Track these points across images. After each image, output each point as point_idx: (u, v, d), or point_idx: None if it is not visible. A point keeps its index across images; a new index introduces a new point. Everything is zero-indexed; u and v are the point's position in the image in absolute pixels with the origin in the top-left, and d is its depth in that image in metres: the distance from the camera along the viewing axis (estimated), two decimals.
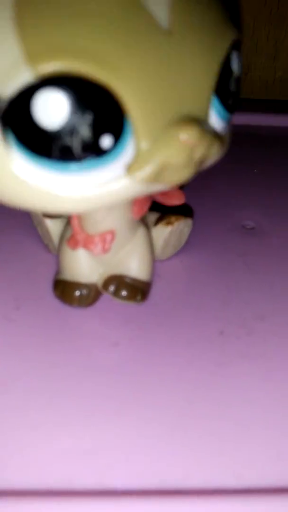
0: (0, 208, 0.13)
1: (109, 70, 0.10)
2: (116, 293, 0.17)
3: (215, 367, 0.16)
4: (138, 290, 0.18)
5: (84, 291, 0.18)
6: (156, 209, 0.19)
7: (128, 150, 0.11)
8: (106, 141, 0.11)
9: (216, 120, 0.12)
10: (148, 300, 0.18)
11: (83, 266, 0.17)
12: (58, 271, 0.18)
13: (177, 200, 0.18)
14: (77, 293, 0.18)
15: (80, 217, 0.17)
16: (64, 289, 0.18)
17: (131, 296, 0.17)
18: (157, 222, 0.19)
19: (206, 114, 0.12)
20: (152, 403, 0.15)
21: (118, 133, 0.11)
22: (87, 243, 0.16)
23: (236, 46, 0.12)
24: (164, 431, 0.14)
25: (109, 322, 0.18)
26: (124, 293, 0.17)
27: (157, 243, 0.19)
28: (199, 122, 0.11)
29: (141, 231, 0.18)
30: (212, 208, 0.24)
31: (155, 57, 0.10)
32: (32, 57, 0.10)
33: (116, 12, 0.10)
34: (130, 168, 0.11)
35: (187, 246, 0.21)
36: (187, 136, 0.11)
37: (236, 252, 0.21)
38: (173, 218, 0.19)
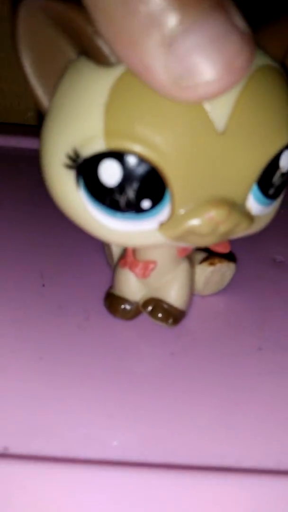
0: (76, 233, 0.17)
1: (159, 156, 0.13)
2: (152, 313, 0.20)
3: (255, 377, 0.19)
4: (171, 315, 0.20)
5: (127, 306, 0.21)
6: (205, 249, 0.22)
7: (164, 213, 0.14)
8: (145, 203, 0.14)
9: (254, 204, 0.15)
10: (191, 317, 0.21)
11: (129, 285, 0.21)
12: (111, 286, 0.22)
13: (223, 248, 0.21)
14: (122, 306, 0.21)
15: None
16: (111, 301, 0.21)
17: (164, 319, 0.20)
18: (202, 261, 0.22)
19: (244, 199, 0.14)
20: (195, 401, 0.18)
21: (157, 200, 0.14)
22: (132, 266, 0.20)
23: None
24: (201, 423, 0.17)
25: (165, 335, 0.21)
26: (159, 315, 0.20)
27: (199, 279, 0.22)
28: (231, 204, 0.14)
29: (183, 266, 0.20)
30: (246, 243, 0.26)
31: (203, 151, 0.13)
32: (108, 135, 0.13)
33: (183, 116, 0.13)
34: (162, 226, 0.14)
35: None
36: (214, 214, 0.14)
37: (268, 281, 0.24)
38: (216, 260, 0.22)
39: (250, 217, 0.15)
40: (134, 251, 0.20)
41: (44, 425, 0.16)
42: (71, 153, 0.14)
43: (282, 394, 0.18)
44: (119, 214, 0.14)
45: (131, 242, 0.15)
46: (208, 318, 0.22)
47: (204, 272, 0.22)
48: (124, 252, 0.21)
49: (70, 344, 0.20)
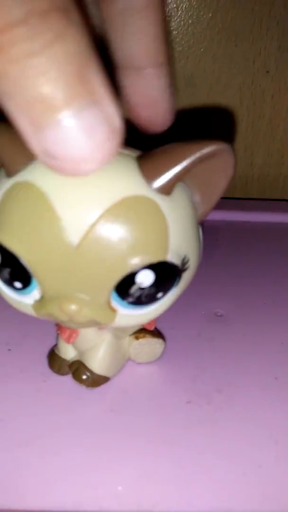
0: None
1: (24, 255, 0.16)
2: (74, 374, 0.24)
3: (182, 429, 0.21)
4: (89, 379, 0.23)
5: (62, 363, 0.24)
6: None
7: (35, 294, 0.18)
8: (17, 284, 0.18)
9: (117, 305, 0.17)
10: (132, 377, 0.24)
11: (64, 347, 0.24)
12: (55, 345, 0.26)
13: (148, 326, 0.24)
14: (58, 363, 0.25)
15: None
16: (51, 359, 0.25)
17: (84, 381, 0.23)
18: (132, 334, 0.24)
19: (106, 299, 0.17)
20: (128, 451, 0.21)
21: (25, 284, 0.17)
22: (61, 331, 0.23)
23: (155, 267, 0.16)
24: (136, 471, 0.20)
25: (107, 393, 0.24)
26: (81, 376, 0.23)
27: (129, 349, 0.24)
28: (85, 302, 0.17)
29: (107, 337, 0.23)
30: (189, 297, 0.25)
31: (60, 258, 0.16)
32: None
33: (45, 229, 0.16)
34: (34, 304, 0.18)
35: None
36: (66, 307, 0.17)
37: (205, 337, 0.26)
38: (141, 335, 0.24)
39: (108, 316, 0.17)
40: None
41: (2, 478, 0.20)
42: None
43: (203, 444, 0.20)
44: (5, 286, 0.18)
45: (22, 310, 0.19)
46: (143, 377, 0.24)
47: (132, 344, 0.24)
48: None
49: (29, 406, 0.23)
